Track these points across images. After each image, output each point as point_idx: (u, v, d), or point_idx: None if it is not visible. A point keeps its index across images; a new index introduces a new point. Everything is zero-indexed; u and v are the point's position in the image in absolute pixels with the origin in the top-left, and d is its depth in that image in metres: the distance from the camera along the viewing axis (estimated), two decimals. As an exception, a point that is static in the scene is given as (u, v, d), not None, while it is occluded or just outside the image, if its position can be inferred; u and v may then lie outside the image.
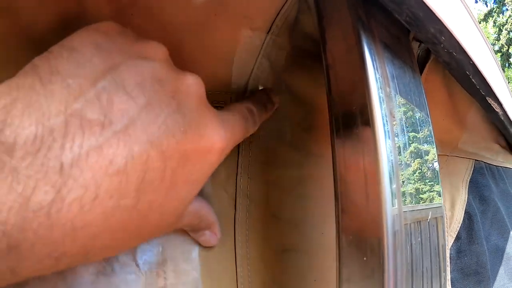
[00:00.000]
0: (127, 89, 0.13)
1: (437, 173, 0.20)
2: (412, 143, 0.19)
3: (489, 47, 0.37)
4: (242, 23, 0.20)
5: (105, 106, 0.12)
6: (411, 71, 0.20)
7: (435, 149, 0.20)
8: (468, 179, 0.42)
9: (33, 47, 0.17)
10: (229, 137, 0.17)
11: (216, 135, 0.15)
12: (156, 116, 0.13)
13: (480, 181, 0.44)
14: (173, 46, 0.19)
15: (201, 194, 0.22)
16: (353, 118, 0.15)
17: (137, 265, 0.21)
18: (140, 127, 0.12)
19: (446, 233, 0.36)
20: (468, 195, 0.40)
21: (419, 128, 0.20)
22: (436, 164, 0.20)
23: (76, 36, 0.13)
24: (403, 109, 0.17)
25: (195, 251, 0.22)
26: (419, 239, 0.18)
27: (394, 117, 0.15)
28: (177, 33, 0.19)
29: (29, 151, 0.10)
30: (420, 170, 0.18)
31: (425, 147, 0.20)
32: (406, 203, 0.17)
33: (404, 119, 0.18)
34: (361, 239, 0.16)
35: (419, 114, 0.21)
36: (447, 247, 0.36)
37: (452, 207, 0.38)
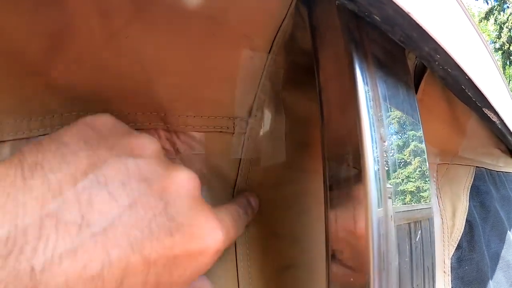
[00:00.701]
0: (110, 189, 0.12)
1: (429, 196, 0.20)
2: (406, 162, 0.19)
3: (489, 51, 0.37)
4: (242, 44, 0.20)
5: (84, 207, 0.12)
6: (405, 88, 0.20)
7: (427, 167, 0.20)
8: (469, 186, 0.42)
9: (24, 72, 0.17)
10: (225, 238, 0.16)
11: (211, 238, 0.15)
12: (139, 218, 0.12)
13: (481, 188, 0.44)
14: (172, 70, 0.19)
15: None
16: (343, 144, 0.15)
17: None
18: (121, 229, 0.12)
19: (442, 239, 0.36)
20: (469, 202, 0.40)
21: (412, 147, 0.20)
22: (429, 191, 0.20)
23: (68, 130, 0.14)
24: (394, 130, 0.17)
25: None
26: (407, 256, 0.18)
27: (384, 142, 0.15)
28: (176, 57, 0.19)
29: (1, 254, 0.10)
30: (410, 196, 0.18)
31: (422, 166, 0.20)
32: (396, 224, 0.17)
33: (395, 139, 0.18)
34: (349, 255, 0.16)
35: (412, 132, 0.21)
36: (447, 257, 0.36)
37: (453, 216, 0.38)
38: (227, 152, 0.22)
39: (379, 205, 0.14)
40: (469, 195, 0.41)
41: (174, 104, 0.20)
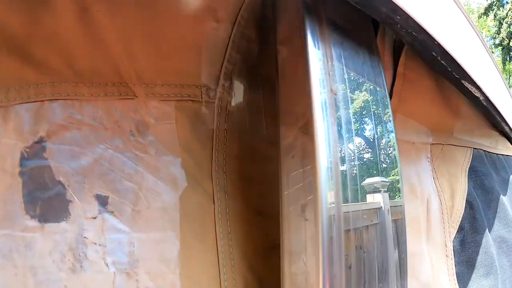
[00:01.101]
0: None
1: (397, 164, 0.20)
2: (361, 124, 0.19)
3: (476, 31, 0.38)
4: (205, 14, 0.21)
5: None
6: (368, 52, 0.21)
7: (394, 134, 0.21)
8: (467, 168, 0.41)
9: (4, 46, 0.19)
10: None
11: None
12: None
13: (480, 169, 0.43)
14: (138, 42, 0.21)
15: (176, 187, 0.22)
16: (295, 103, 0.16)
17: (106, 265, 0.21)
18: None
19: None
20: (468, 184, 0.39)
21: (372, 108, 0.20)
22: (395, 152, 0.20)
23: None
24: (350, 87, 0.18)
25: (174, 251, 0.22)
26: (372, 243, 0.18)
27: (336, 94, 0.16)
28: (141, 28, 0.20)
29: None
30: (372, 159, 0.18)
31: (383, 130, 0.20)
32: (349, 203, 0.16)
33: (350, 97, 0.18)
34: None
35: (374, 95, 0.21)
36: (449, 239, 0.35)
37: (452, 197, 0.37)
38: (198, 122, 0.23)
39: (330, 169, 0.14)
40: (468, 177, 0.40)
41: (141, 74, 0.22)
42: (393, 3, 0.19)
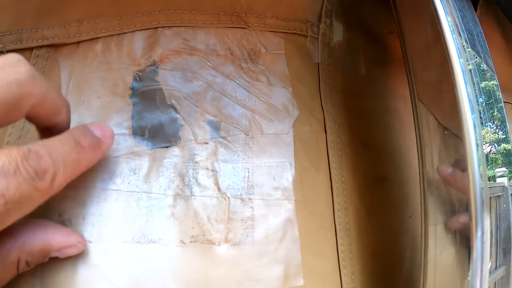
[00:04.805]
0: None
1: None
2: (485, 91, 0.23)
3: None
4: None
5: None
6: (471, 13, 0.25)
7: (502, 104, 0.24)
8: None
9: None
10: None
11: None
12: None
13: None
14: None
15: (289, 115, 0.26)
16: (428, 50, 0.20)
17: (219, 189, 0.23)
18: None
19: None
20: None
21: (488, 75, 0.24)
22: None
23: None
24: (474, 59, 0.22)
25: (289, 178, 0.24)
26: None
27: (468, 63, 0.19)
28: None
29: None
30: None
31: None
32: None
33: (475, 69, 0.22)
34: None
35: (484, 60, 0.25)
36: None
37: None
38: (305, 54, 0.28)
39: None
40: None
41: (253, 6, 0.26)
42: None
